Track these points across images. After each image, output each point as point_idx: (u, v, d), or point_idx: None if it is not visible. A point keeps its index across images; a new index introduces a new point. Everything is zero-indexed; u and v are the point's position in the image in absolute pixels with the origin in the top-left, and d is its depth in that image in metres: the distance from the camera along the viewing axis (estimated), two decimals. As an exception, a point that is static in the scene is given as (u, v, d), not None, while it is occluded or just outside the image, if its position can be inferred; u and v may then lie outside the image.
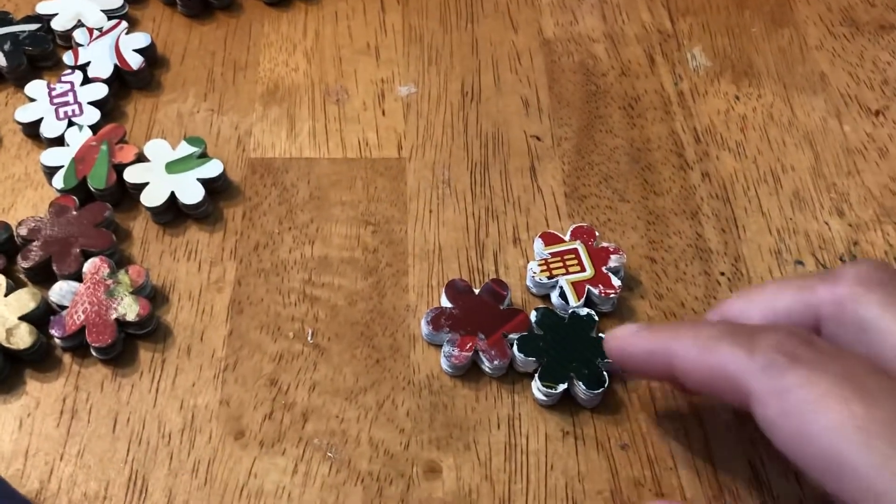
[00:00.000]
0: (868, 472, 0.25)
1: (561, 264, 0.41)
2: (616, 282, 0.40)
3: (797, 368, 0.27)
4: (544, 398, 0.37)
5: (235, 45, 0.51)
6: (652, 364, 0.33)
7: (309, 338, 0.40)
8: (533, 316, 0.39)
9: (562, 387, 0.37)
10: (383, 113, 0.48)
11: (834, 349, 0.29)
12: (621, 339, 0.35)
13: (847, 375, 0.27)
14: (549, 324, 0.39)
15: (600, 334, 0.39)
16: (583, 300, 0.40)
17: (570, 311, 0.39)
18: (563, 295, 0.40)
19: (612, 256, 0.41)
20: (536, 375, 0.38)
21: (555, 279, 0.40)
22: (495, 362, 0.38)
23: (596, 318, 0.39)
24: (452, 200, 0.45)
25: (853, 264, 0.31)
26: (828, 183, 0.46)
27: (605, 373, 0.37)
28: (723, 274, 0.43)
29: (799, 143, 0.48)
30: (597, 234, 0.42)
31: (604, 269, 0.41)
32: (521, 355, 0.38)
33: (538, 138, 0.48)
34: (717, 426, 0.38)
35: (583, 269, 0.41)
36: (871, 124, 0.49)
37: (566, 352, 0.38)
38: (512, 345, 0.38)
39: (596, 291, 0.40)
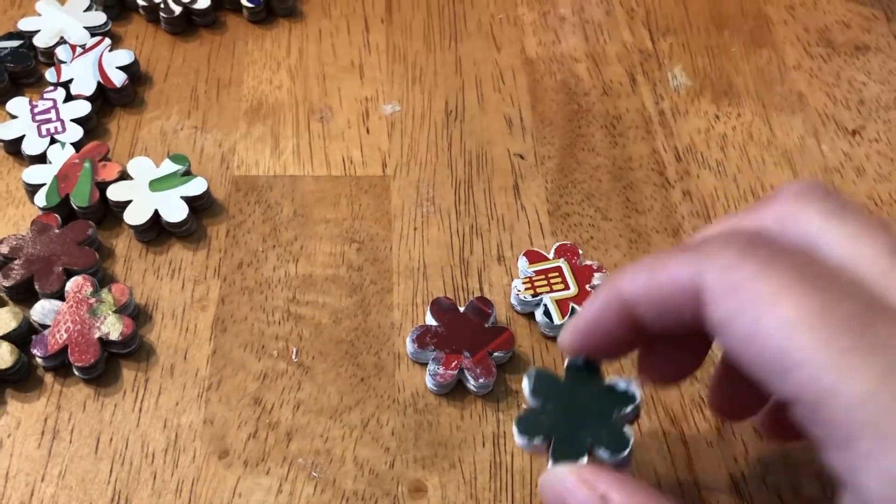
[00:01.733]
0: (819, 365, 0.23)
1: (545, 282, 0.41)
2: (599, 300, 0.41)
3: (750, 262, 0.25)
4: None
5: (219, 63, 0.51)
6: (607, 319, 0.29)
7: (293, 356, 0.40)
8: (525, 384, 0.32)
9: (584, 460, 0.30)
10: (367, 131, 0.49)
11: (787, 245, 0.27)
12: (570, 325, 0.31)
13: (803, 270, 0.25)
14: (547, 389, 0.32)
15: (609, 381, 0.32)
16: (567, 318, 0.40)
17: (566, 363, 0.33)
18: (547, 313, 0.40)
19: (596, 274, 0.41)
20: (549, 455, 0.30)
21: (539, 297, 0.41)
22: (480, 380, 0.38)
23: (596, 364, 0.33)
24: (437, 218, 0.45)
25: (789, 184, 0.29)
26: (806, 201, 0.47)
27: (625, 428, 0.31)
28: (704, 291, 0.43)
29: (778, 162, 0.49)
30: (580, 251, 0.43)
31: (587, 286, 0.41)
32: (524, 439, 0.31)
33: (521, 157, 0.48)
34: (699, 445, 0.38)
35: (567, 287, 0.41)
36: (849, 143, 0.50)
37: (575, 416, 0.31)
38: (522, 391, 0.32)
39: (580, 309, 0.40)
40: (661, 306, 0.28)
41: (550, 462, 0.30)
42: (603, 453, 0.31)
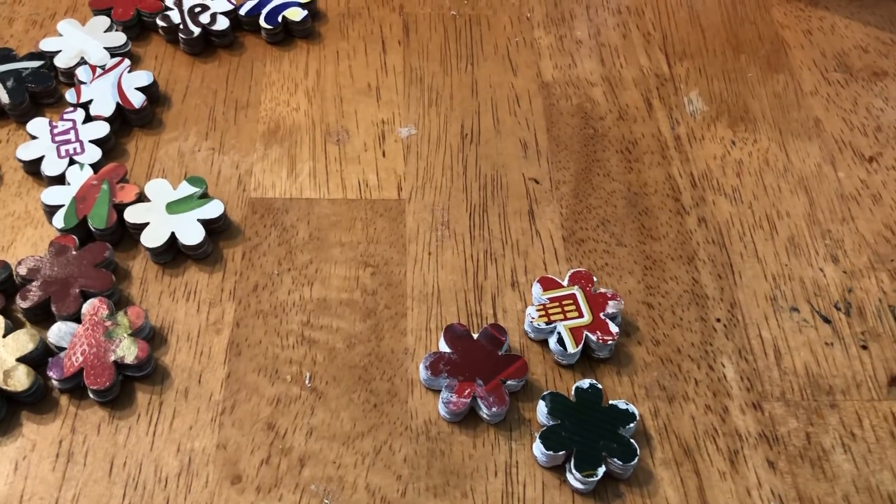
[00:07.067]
0: None
1: (559, 310, 0.41)
2: (614, 328, 0.41)
3: None
4: (584, 486, 0.37)
5: (237, 84, 0.51)
6: None
7: (307, 381, 0.40)
8: (542, 406, 0.38)
9: (602, 470, 0.36)
10: (383, 154, 0.49)
11: None
12: None
13: None
14: (561, 409, 0.38)
15: (610, 402, 0.38)
16: (580, 346, 0.40)
17: (574, 387, 0.39)
18: (560, 341, 0.40)
19: (610, 302, 0.41)
20: (571, 466, 0.36)
21: (553, 325, 0.41)
22: (493, 409, 0.38)
23: (599, 386, 0.39)
24: (451, 243, 0.45)
25: None
26: (822, 229, 0.47)
27: (632, 440, 0.37)
28: (719, 320, 0.43)
29: (794, 189, 0.49)
30: (595, 279, 0.42)
31: (601, 315, 0.41)
32: (551, 452, 0.37)
33: (536, 181, 0.48)
34: (712, 476, 0.38)
35: (581, 315, 0.41)
36: (865, 171, 0.49)
37: (589, 432, 0.37)
38: (537, 437, 0.37)
39: (594, 338, 0.40)
40: None
41: (574, 471, 0.36)
42: (616, 462, 0.37)
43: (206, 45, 0.52)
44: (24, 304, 0.40)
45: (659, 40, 0.56)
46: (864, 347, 0.42)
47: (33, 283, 0.41)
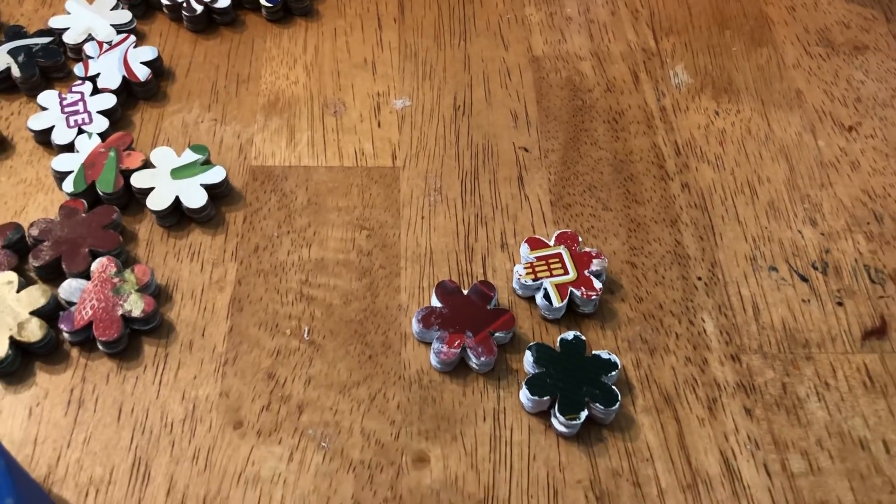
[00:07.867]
0: None
1: (545, 267, 0.43)
2: (598, 284, 0.42)
3: None
4: (567, 430, 0.39)
5: (238, 59, 0.53)
6: None
7: (305, 335, 0.42)
8: (528, 355, 0.40)
9: (584, 414, 0.38)
10: (379, 124, 0.51)
11: None
12: None
13: None
14: (546, 358, 0.40)
15: (594, 352, 0.40)
16: (565, 301, 0.42)
17: (559, 338, 0.41)
18: (547, 296, 0.42)
19: (595, 260, 0.43)
20: (555, 411, 0.39)
21: (539, 281, 0.43)
22: (482, 359, 0.40)
23: (583, 338, 0.41)
24: (443, 207, 0.47)
25: None
26: (802, 194, 0.49)
27: (614, 387, 0.39)
28: (699, 279, 0.45)
29: (775, 157, 0.50)
30: (580, 239, 0.44)
31: (586, 272, 0.43)
32: (536, 398, 0.38)
33: (526, 150, 0.50)
34: (691, 421, 0.40)
35: (566, 272, 0.43)
36: (845, 139, 0.51)
37: (572, 379, 0.39)
38: (523, 384, 0.39)
39: (578, 293, 0.42)
40: None
41: (558, 415, 0.38)
42: (598, 407, 0.38)
43: (209, 22, 0.55)
44: (37, 263, 0.42)
45: (646, 17, 0.58)
46: (840, 304, 0.44)
47: (45, 244, 0.43)
